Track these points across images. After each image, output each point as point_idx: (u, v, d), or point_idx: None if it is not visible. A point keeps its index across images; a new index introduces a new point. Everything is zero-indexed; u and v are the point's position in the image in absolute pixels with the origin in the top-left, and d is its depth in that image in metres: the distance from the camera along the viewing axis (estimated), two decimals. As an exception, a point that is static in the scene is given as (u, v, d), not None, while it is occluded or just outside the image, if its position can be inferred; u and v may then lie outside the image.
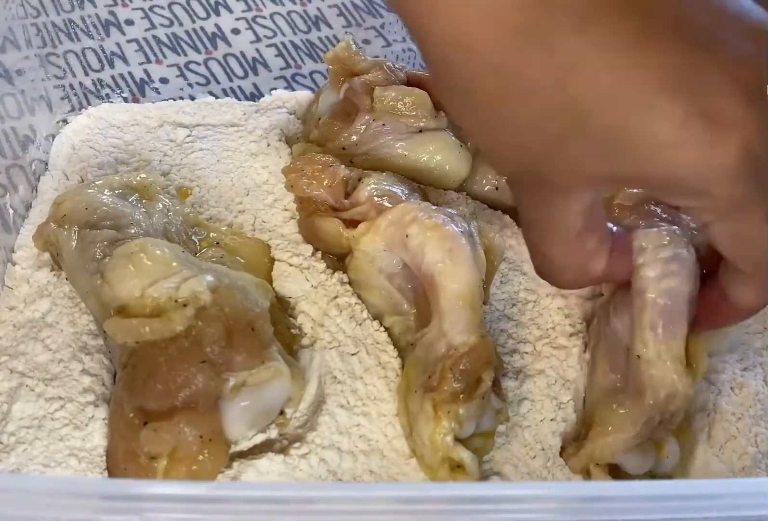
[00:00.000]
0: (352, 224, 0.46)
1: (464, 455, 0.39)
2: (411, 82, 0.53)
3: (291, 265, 0.49)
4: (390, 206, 0.46)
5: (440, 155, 0.51)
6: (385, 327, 0.46)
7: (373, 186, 0.47)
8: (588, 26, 0.31)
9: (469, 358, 0.40)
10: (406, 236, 0.43)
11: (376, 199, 0.46)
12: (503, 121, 0.34)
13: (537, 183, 0.36)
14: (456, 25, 0.32)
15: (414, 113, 0.51)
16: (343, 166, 0.49)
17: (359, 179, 0.48)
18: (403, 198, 0.47)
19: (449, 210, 0.45)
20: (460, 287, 0.42)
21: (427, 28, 0.33)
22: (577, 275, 0.39)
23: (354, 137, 0.51)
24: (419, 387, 0.41)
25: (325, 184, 0.48)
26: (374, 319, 0.47)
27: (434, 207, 0.45)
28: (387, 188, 0.47)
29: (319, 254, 0.50)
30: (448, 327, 0.41)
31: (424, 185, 0.51)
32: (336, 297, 0.47)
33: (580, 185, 0.35)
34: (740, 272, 0.38)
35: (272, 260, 0.49)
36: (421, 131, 0.51)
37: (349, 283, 0.48)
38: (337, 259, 0.49)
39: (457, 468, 0.39)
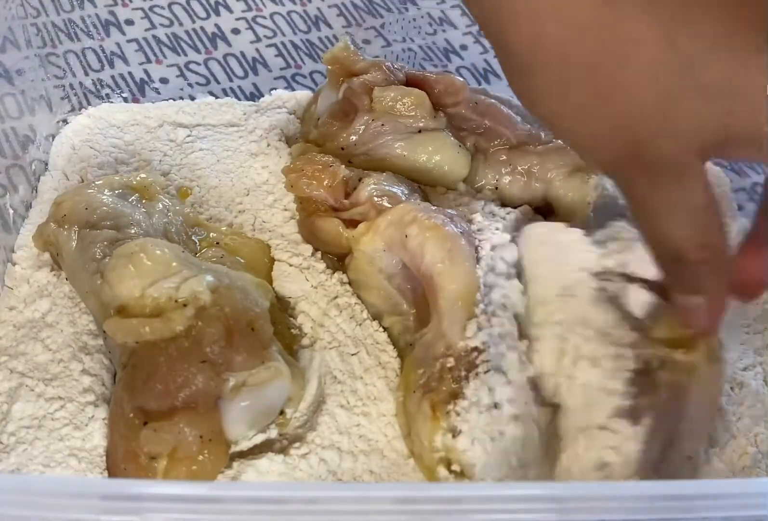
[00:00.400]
0: (351, 224, 0.46)
1: (462, 455, 0.39)
2: (410, 82, 0.53)
3: (291, 265, 0.49)
4: (390, 206, 0.46)
5: (439, 155, 0.51)
6: (384, 327, 0.47)
7: (373, 186, 0.47)
8: None
9: (468, 358, 0.40)
10: (406, 236, 0.43)
11: (376, 199, 0.47)
12: (604, 90, 0.32)
13: (644, 167, 0.34)
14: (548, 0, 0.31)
15: (413, 113, 0.51)
16: (343, 166, 0.49)
17: (359, 179, 0.48)
18: (403, 198, 0.47)
19: (449, 211, 0.45)
20: (459, 288, 0.42)
21: (515, 8, 0.32)
22: (705, 256, 0.36)
23: (353, 137, 0.51)
24: (418, 388, 0.41)
25: (325, 184, 0.48)
26: (374, 319, 0.47)
27: (434, 207, 0.45)
28: (387, 188, 0.47)
29: (319, 254, 0.50)
30: (447, 327, 0.41)
31: (423, 185, 0.51)
32: (336, 297, 0.47)
33: (690, 156, 0.33)
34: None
35: (272, 260, 0.49)
36: (420, 131, 0.51)
37: (349, 283, 0.48)
38: (337, 259, 0.49)
39: (454, 469, 0.39)
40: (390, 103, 0.51)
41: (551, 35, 0.32)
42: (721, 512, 0.30)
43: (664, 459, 0.39)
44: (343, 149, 0.51)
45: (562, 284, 0.43)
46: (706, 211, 0.35)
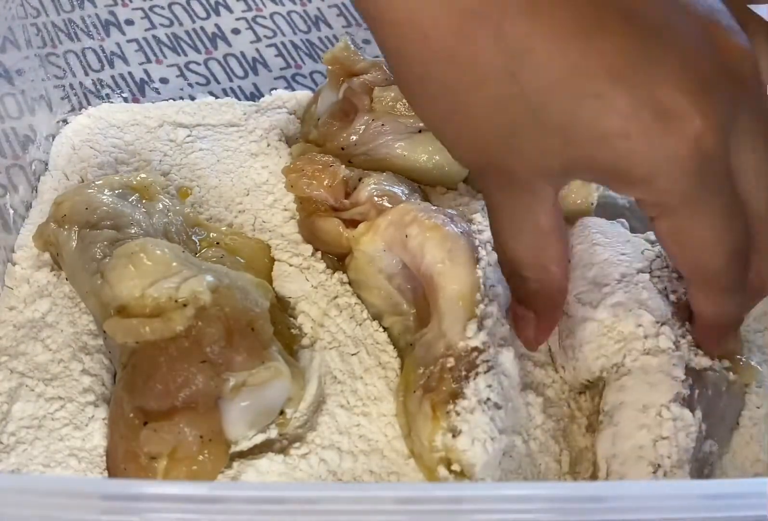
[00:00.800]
0: (352, 224, 0.46)
1: (462, 455, 0.39)
2: (410, 82, 0.53)
3: (291, 265, 0.49)
4: (390, 206, 0.46)
5: (439, 155, 0.51)
6: (384, 327, 0.46)
7: (373, 186, 0.47)
8: (539, 11, 0.31)
9: (468, 358, 0.40)
10: (406, 236, 0.43)
11: (376, 199, 0.47)
12: (458, 111, 0.34)
13: (499, 180, 0.36)
14: (410, 10, 0.32)
15: (413, 113, 0.51)
16: (343, 166, 0.49)
17: (359, 179, 0.48)
18: (404, 198, 0.47)
19: (449, 211, 0.45)
20: (459, 288, 0.42)
21: (382, 15, 0.33)
22: (539, 276, 0.39)
23: (353, 137, 0.51)
24: (418, 388, 0.41)
25: (325, 184, 0.48)
26: (374, 319, 0.47)
27: (434, 207, 0.45)
28: (387, 188, 0.47)
29: (319, 254, 0.50)
30: (447, 328, 0.41)
31: (423, 185, 0.51)
32: (336, 297, 0.47)
33: (540, 181, 0.35)
34: (686, 277, 0.37)
35: (272, 260, 0.49)
36: (420, 131, 0.51)
37: (349, 283, 0.48)
38: (337, 259, 0.49)
39: (454, 469, 0.39)
40: (390, 103, 0.51)
41: (413, 50, 0.33)
42: (721, 512, 0.30)
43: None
44: (343, 149, 0.51)
45: (621, 271, 0.44)
46: (547, 235, 0.37)
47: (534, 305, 0.41)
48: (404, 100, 0.51)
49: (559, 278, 0.39)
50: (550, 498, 0.30)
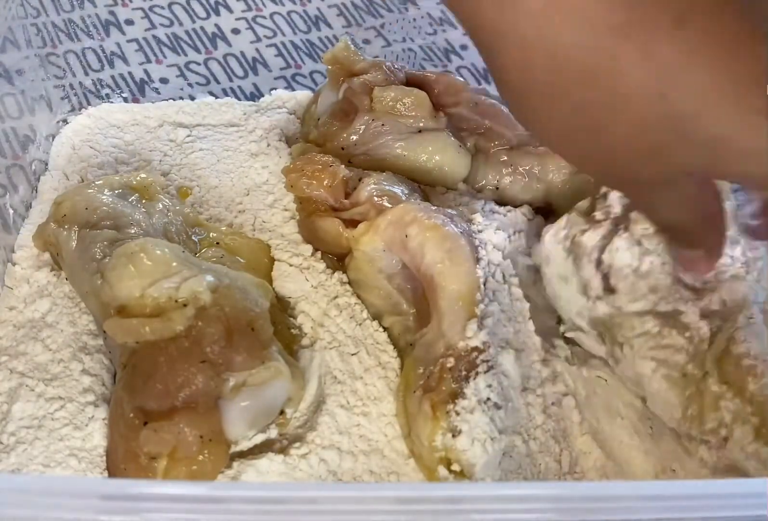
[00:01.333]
0: (351, 224, 0.46)
1: (462, 455, 0.39)
2: (410, 82, 0.53)
3: (291, 265, 0.49)
4: (390, 206, 0.46)
5: (439, 155, 0.51)
6: (384, 327, 0.46)
7: (373, 186, 0.47)
8: (688, 27, 0.29)
9: (468, 358, 0.40)
10: (406, 236, 0.43)
11: (376, 199, 0.46)
12: (593, 133, 0.32)
13: (634, 187, 0.35)
14: (540, 27, 0.30)
15: (413, 113, 0.51)
16: (342, 166, 0.49)
17: (359, 179, 0.48)
18: (403, 198, 0.47)
19: (449, 211, 0.45)
20: (459, 288, 0.42)
21: (504, 32, 0.31)
22: (711, 233, 0.38)
23: (353, 137, 0.51)
24: (418, 388, 0.41)
25: (325, 184, 0.48)
26: (374, 319, 0.47)
27: (434, 207, 0.45)
28: (387, 188, 0.47)
29: (319, 254, 0.50)
30: (447, 328, 0.41)
31: (423, 185, 0.51)
32: (336, 297, 0.47)
33: (684, 180, 0.34)
34: None
35: (272, 260, 0.49)
36: (420, 131, 0.51)
37: (349, 283, 0.48)
38: (337, 259, 0.49)
39: (454, 469, 0.39)
40: (390, 104, 0.51)
41: (543, 68, 0.31)
42: (721, 512, 0.30)
43: None
44: (343, 148, 0.51)
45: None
46: (695, 198, 0.36)
47: (700, 242, 0.40)
48: (404, 100, 0.51)
49: (718, 215, 0.38)
50: (550, 498, 0.30)
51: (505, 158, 0.52)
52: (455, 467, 0.39)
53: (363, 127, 0.51)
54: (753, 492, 0.30)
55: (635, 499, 0.30)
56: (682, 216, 0.37)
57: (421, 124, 0.51)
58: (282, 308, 0.47)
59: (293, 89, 0.63)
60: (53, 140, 0.57)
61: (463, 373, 0.40)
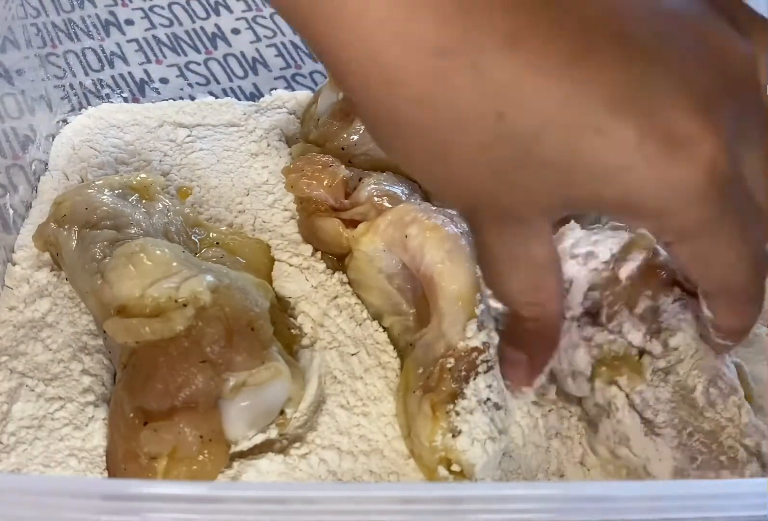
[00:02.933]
0: (351, 224, 0.46)
1: (462, 456, 0.39)
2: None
3: (291, 265, 0.49)
4: (390, 206, 0.46)
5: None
6: (384, 327, 0.46)
7: (373, 186, 0.47)
8: (519, 45, 0.28)
9: (468, 359, 0.40)
10: (406, 236, 0.43)
11: (376, 199, 0.46)
12: (439, 155, 0.31)
13: (491, 217, 0.33)
14: (373, 51, 0.29)
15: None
16: (342, 166, 0.49)
17: (359, 179, 0.48)
18: (404, 198, 0.47)
19: (449, 211, 0.45)
20: (459, 288, 0.42)
21: (337, 54, 0.29)
22: (536, 314, 0.36)
23: (353, 137, 0.51)
24: (418, 388, 0.41)
25: (325, 184, 0.48)
26: (374, 319, 0.47)
27: (434, 208, 0.45)
28: (387, 188, 0.47)
29: (319, 254, 0.50)
30: (447, 328, 0.41)
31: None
32: (336, 297, 0.47)
33: (536, 215, 0.32)
34: (708, 293, 0.35)
35: (272, 260, 0.49)
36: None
37: (349, 283, 0.48)
38: (337, 259, 0.49)
39: (454, 469, 0.39)
40: (390, 103, 0.51)
41: (380, 93, 0.30)
42: (721, 512, 0.30)
43: None
44: (343, 148, 0.51)
45: None
46: (543, 269, 0.34)
47: (528, 346, 0.39)
48: None
49: (555, 315, 0.36)
50: (550, 498, 0.30)
51: None
52: (455, 467, 0.39)
53: (363, 127, 0.51)
54: (753, 492, 0.30)
55: (635, 499, 0.31)
56: (517, 284, 0.35)
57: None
58: (282, 308, 0.47)
59: (293, 89, 0.63)
60: (53, 140, 0.57)
61: (463, 373, 0.40)
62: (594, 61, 0.28)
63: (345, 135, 0.52)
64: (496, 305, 0.41)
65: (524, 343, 0.39)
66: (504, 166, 0.30)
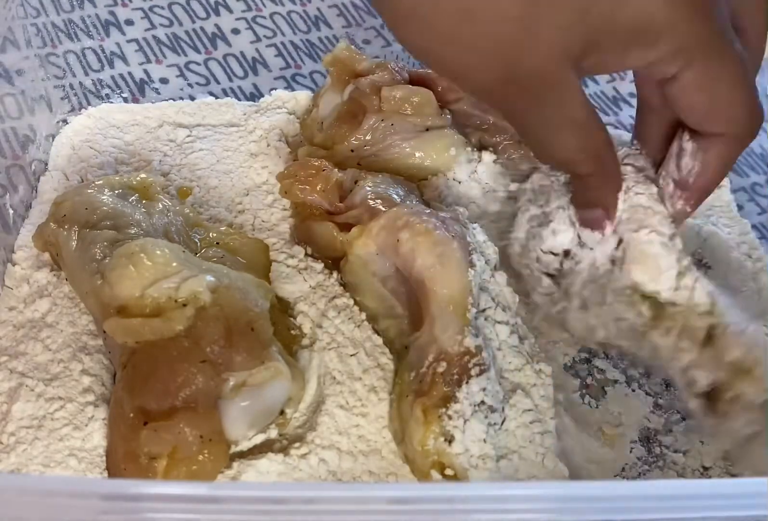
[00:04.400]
0: (346, 227, 0.46)
1: (455, 459, 0.39)
2: (414, 80, 0.53)
3: (289, 266, 0.49)
4: (384, 209, 0.45)
5: (447, 152, 0.51)
6: (380, 330, 0.46)
7: (368, 189, 0.47)
8: None
9: (460, 362, 0.40)
10: (398, 240, 0.43)
11: (370, 202, 0.46)
12: (468, 13, 0.33)
13: (522, 87, 0.34)
14: None
15: (420, 112, 0.51)
16: (336, 170, 0.49)
17: (355, 182, 0.48)
18: (398, 201, 0.46)
19: (442, 214, 0.45)
20: (450, 292, 0.42)
21: None
22: (596, 165, 0.38)
23: (364, 138, 0.51)
24: (410, 392, 0.41)
25: (318, 188, 0.48)
26: (370, 322, 0.47)
27: (427, 211, 0.45)
28: (382, 191, 0.47)
29: (316, 255, 0.50)
30: (439, 332, 0.41)
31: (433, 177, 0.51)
32: (334, 298, 0.47)
33: (562, 69, 0.34)
34: (710, 133, 0.37)
35: (271, 261, 0.49)
36: (427, 130, 0.51)
37: (345, 286, 0.48)
38: (332, 262, 0.49)
39: (447, 473, 0.39)
40: (398, 103, 0.51)
41: None
42: (721, 512, 0.30)
43: None
44: (352, 150, 0.51)
45: None
46: (586, 124, 0.36)
47: (600, 200, 0.40)
48: (412, 100, 0.51)
49: (612, 163, 0.39)
50: (550, 498, 0.30)
51: (515, 155, 0.52)
52: (448, 471, 0.39)
53: (373, 128, 0.51)
54: (753, 492, 0.30)
55: (635, 499, 0.30)
56: (567, 144, 0.36)
57: (429, 123, 0.51)
58: (282, 308, 0.47)
59: (293, 89, 0.63)
60: (53, 140, 0.57)
61: (456, 377, 0.40)
62: None
63: (355, 137, 0.51)
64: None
65: (596, 199, 0.40)
66: (527, 11, 0.32)
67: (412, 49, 0.35)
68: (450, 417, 0.39)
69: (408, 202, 0.47)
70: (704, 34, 0.34)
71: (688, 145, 0.38)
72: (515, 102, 0.35)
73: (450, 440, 0.39)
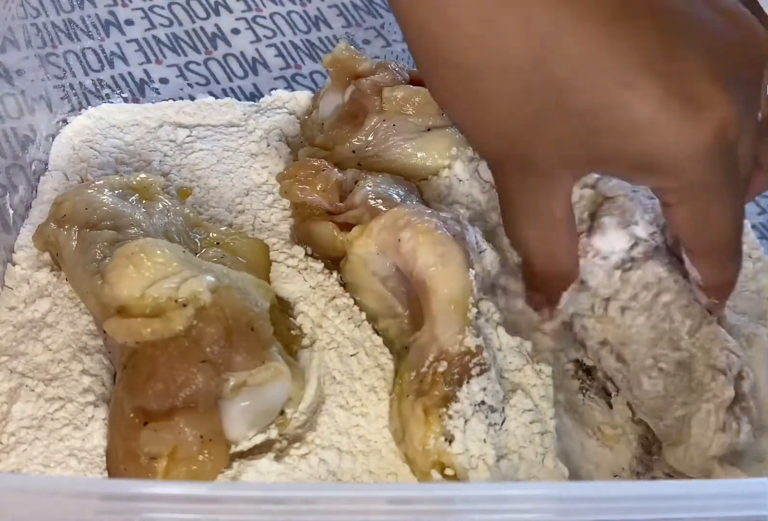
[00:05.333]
0: (346, 227, 0.46)
1: (455, 459, 0.39)
2: (414, 81, 0.53)
3: (289, 266, 0.49)
4: (384, 209, 0.45)
5: (449, 151, 0.51)
6: (380, 330, 0.46)
7: (368, 189, 0.47)
8: (567, 0, 0.31)
9: (461, 362, 0.40)
10: (399, 240, 0.43)
11: (370, 202, 0.46)
12: (483, 98, 0.34)
13: (519, 168, 0.36)
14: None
15: (422, 112, 0.51)
16: (335, 169, 0.49)
17: (355, 182, 0.48)
18: (398, 200, 0.46)
19: (443, 214, 0.45)
20: (451, 292, 0.42)
21: (408, 5, 0.33)
22: (547, 266, 0.40)
23: (365, 139, 0.51)
24: (411, 391, 0.41)
25: (318, 188, 0.48)
26: (370, 322, 0.47)
27: (428, 211, 0.45)
28: (382, 190, 0.47)
29: (316, 255, 0.50)
30: (439, 332, 0.41)
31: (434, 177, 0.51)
32: (334, 298, 0.47)
33: (562, 171, 0.35)
34: (696, 252, 0.38)
35: (270, 261, 0.49)
36: (429, 130, 0.51)
37: (345, 285, 0.48)
38: (332, 262, 0.49)
39: (447, 473, 0.39)
40: (400, 103, 0.51)
41: (438, 36, 0.33)
42: (721, 512, 0.30)
43: None
44: (354, 151, 0.51)
45: None
46: (559, 224, 0.38)
47: (543, 291, 0.42)
48: (413, 100, 0.51)
49: (567, 268, 0.40)
50: (549, 498, 0.30)
51: None
52: (449, 471, 0.39)
53: (374, 128, 0.51)
54: (753, 492, 0.30)
55: (635, 499, 0.31)
56: (531, 232, 0.38)
57: (430, 123, 0.51)
58: (282, 308, 0.47)
59: (293, 89, 0.63)
60: (53, 140, 0.57)
61: (456, 377, 0.40)
62: (630, 22, 0.31)
63: (355, 138, 0.51)
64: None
65: (541, 288, 0.42)
66: (538, 114, 0.33)
67: (437, 100, 0.37)
68: (450, 417, 0.39)
69: (408, 202, 0.46)
70: (707, 179, 0.34)
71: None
72: (510, 177, 0.37)
73: (450, 440, 0.39)
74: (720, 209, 0.35)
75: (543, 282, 0.42)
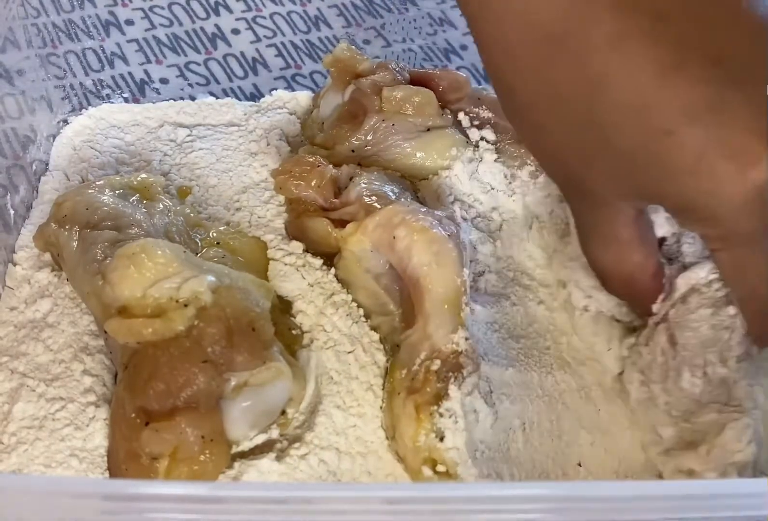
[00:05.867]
0: (340, 223, 0.46)
1: (446, 455, 0.39)
2: (415, 80, 0.53)
3: (287, 263, 0.49)
4: (379, 206, 0.45)
5: (449, 152, 0.51)
6: (373, 327, 0.46)
7: (363, 185, 0.47)
8: (622, 45, 0.32)
9: (454, 361, 0.40)
10: (393, 238, 0.43)
11: (365, 199, 0.46)
12: (541, 128, 0.35)
13: (579, 195, 0.37)
14: (499, 27, 0.33)
15: (421, 112, 0.51)
16: (330, 166, 0.49)
17: (350, 178, 0.48)
18: (393, 198, 0.46)
19: (438, 212, 0.45)
20: (445, 291, 0.42)
21: (480, 31, 0.35)
22: (624, 285, 0.40)
23: (365, 139, 0.51)
24: (402, 389, 0.41)
25: (313, 184, 0.48)
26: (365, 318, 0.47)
27: (423, 209, 0.45)
28: (377, 187, 0.47)
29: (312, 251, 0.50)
30: (432, 330, 0.41)
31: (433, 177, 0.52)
32: (332, 294, 0.47)
33: (617, 199, 0.36)
34: (739, 299, 0.39)
35: (268, 259, 0.49)
36: (428, 130, 0.51)
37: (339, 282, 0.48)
38: (327, 258, 0.49)
39: (439, 469, 0.39)
40: (399, 103, 0.51)
41: (502, 63, 0.35)
42: (722, 512, 0.30)
43: None
44: (353, 151, 0.51)
45: None
46: (627, 246, 0.38)
47: (633, 306, 0.44)
48: (413, 100, 0.51)
49: (644, 286, 0.40)
50: (549, 498, 0.30)
51: (516, 152, 0.52)
52: (440, 468, 0.39)
53: (374, 128, 0.51)
54: (753, 492, 0.30)
55: (635, 499, 0.31)
56: (604, 258, 0.39)
57: (429, 123, 0.51)
58: (283, 308, 0.47)
59: (293, 89, 0.63)
60: (54, 140, 0.57)
61: (448, 375, 0.40)
62: (683, 75, 0.32)
63: (355, 137, 0.51)
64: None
65: (628, 302, 0.43)
66: (588, 150, 0.34)
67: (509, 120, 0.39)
68: (441, 415, 0.39)
69: (403, 199, 0.47)
70: (747, 229, 0.34)
71: None
72: (577, 205, 0.39)
73: (441, 437, 0.39)
74: (761, 259, 0.36)
75: (628, 300, 0.43)
